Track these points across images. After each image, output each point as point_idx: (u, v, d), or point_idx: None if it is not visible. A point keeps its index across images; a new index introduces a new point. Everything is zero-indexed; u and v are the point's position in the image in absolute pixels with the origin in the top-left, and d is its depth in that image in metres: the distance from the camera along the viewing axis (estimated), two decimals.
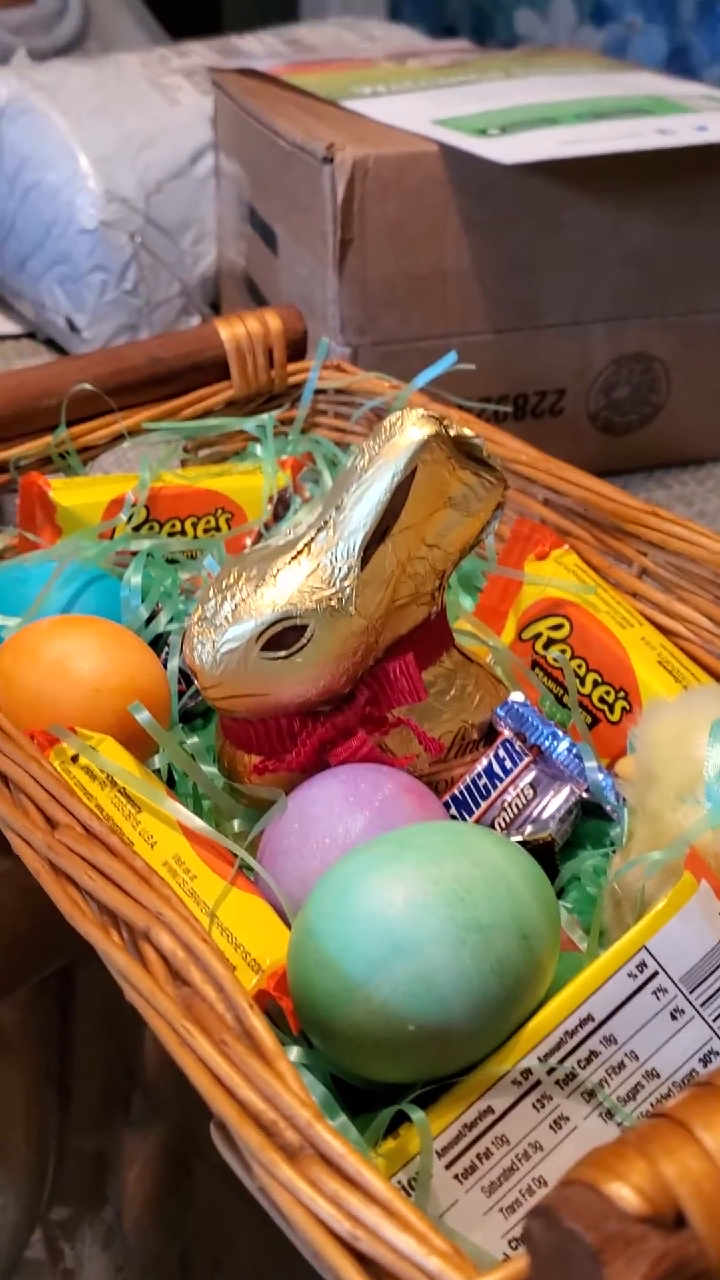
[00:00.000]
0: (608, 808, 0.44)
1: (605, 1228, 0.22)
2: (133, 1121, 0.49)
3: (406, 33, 1.19)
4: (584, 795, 0.44)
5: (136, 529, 0.57)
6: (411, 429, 0.41)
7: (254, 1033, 0.29)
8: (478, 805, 0.44)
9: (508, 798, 0.44)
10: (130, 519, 0.56)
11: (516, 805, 0.44)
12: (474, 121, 0.72)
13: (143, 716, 0.42)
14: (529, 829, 0.43)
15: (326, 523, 0.42)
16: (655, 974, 0.34)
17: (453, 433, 0.42)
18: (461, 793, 0.45)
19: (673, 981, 0.34)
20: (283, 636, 0.41)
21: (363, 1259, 0.25)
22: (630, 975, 0.34)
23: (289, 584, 0.41)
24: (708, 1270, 0.22)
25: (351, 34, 1.13)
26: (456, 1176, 0.33)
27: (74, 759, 0.42)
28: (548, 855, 0.42)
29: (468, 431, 0.43)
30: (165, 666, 0.50)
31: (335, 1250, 0.25)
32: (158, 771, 0.46)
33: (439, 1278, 0.24)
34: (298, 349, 0.65)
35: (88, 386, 0.58)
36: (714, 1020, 0.34)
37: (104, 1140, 0.47)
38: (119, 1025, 0.55)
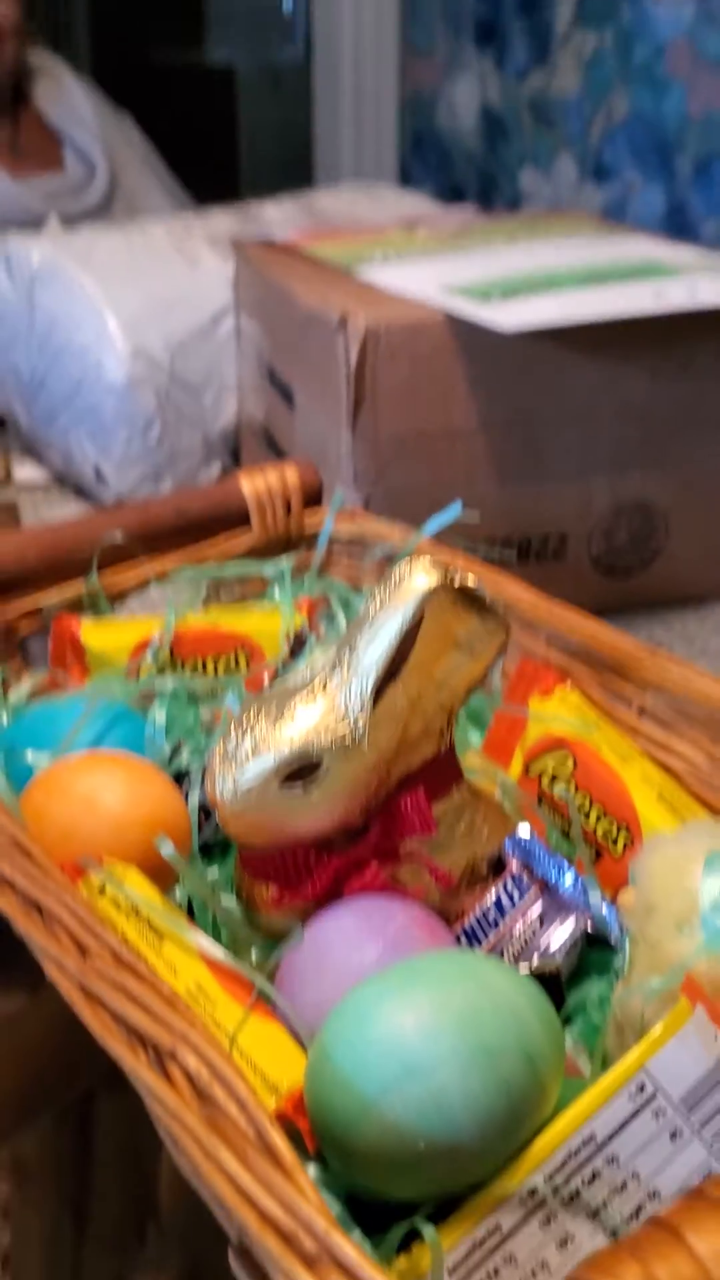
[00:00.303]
0: (611, 939, 0.46)
1: None
2: (149, 1248, 0.49)
3: (416, 199, 1.27)
4: (589, 927, 0.46)
5: (161, 668, 0.60)
6: (419, 577, 0.45)
7: (274, 1147, 0.31)
8: (487, 936, 0.46)
9: (516, 929, 0.46)
10: (155, 659, 0.59)
11: (524, 936, 0.46)
12: (478, 288, 0.78)
13: (167, 850, 0.45)
14: (536, 959, 0.45)
15: (341, 663, 0.45)
16: (654, 1095, 0.36)
17: (457, 581, 0.45)
18: (471, 924, 0.47)
19: (671, 1103, 0.36)
20: (300, 771, 0.44)
21: None
22: (630, 1097, 0.36)
23: (306, 721, 0.44)
24: None
25: (364, 200, 1.21)
26: None
27: (101, 889, 0.44)
28: (554, 985, 0.44)
29: (471, 580, 0.46)
30: (186, 800, 0.52)
31: None
32: (179, 902, 0.48)
33: None
34: (314, 499, 0.69)
35: (118, 536, 0.61)
36: (712, 1141, 0.36)
37: (120, 1265, 0.48)
38: (137, 1155, 0.56)
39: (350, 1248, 0.28)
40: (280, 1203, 0.30)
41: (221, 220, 1.13)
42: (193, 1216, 0.52)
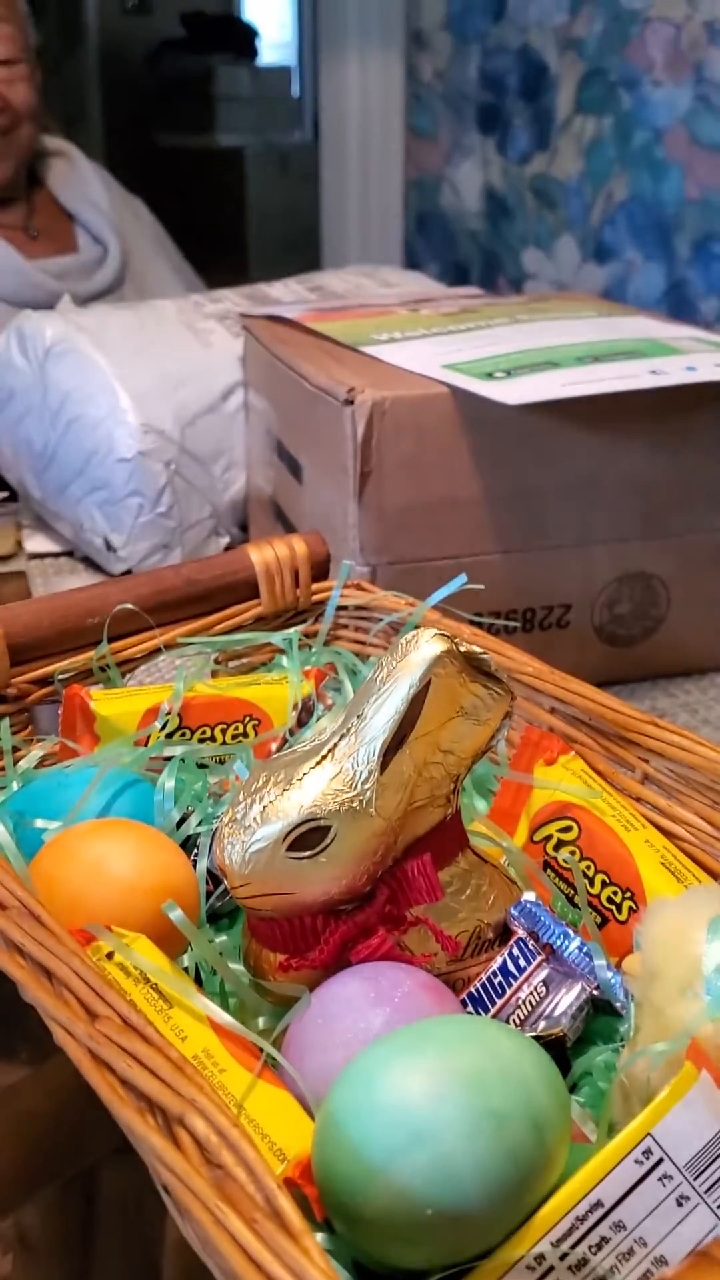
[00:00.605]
0: (617, 1004, 0.47)
1: None
2: None
3: (421, 279, 1.30)
4: (594, 993, 0.47)
5: (170, 736, 0.60)
6: (426, 646, 0.46)
7: (283, 1213, 0.31)
8: (493, 1003, 0.47)
9: (522, 995, 0.46)
10: (164, 726, 0.60)
11: (530, 1002, 0.46)
12: (481, 365, 0.79)
13: (175, 914, 0.45)
14: (542, 1025, 0.45)
15: (349, 730, 0.46)
16: (660, 1160, 0.36)
17: (463, 649, 0.46)
18: (478, 990, 0.47)
19: (677, 1168, 0.36)
20: (308, 837, 0.45)
21: None
22: (637, 1162, 0.36)
23: (314, 787, 0.45)
24: None
25: (370, 281, 1.24)
26: None
27: (109, 955, 0.44)
28: (560, 1050, 0.44)
29: (477, 648, 0.47)
30: (195, 867, 0.53)
31: None
32: (187, 969, 0.49)
33: None
34: (321, 570, 0.70)
35: (129, 606, 0.62)
36: (718, 1206, 0.36)
37: None
38: (142, 1228, 0.56)
39: None
40: (289, 1269, 0.30)
41: (231, 300, 1.15)
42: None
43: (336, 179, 2.33)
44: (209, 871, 0.54)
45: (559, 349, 0.83)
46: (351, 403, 0.76)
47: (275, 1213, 0.31)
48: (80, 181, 1.50)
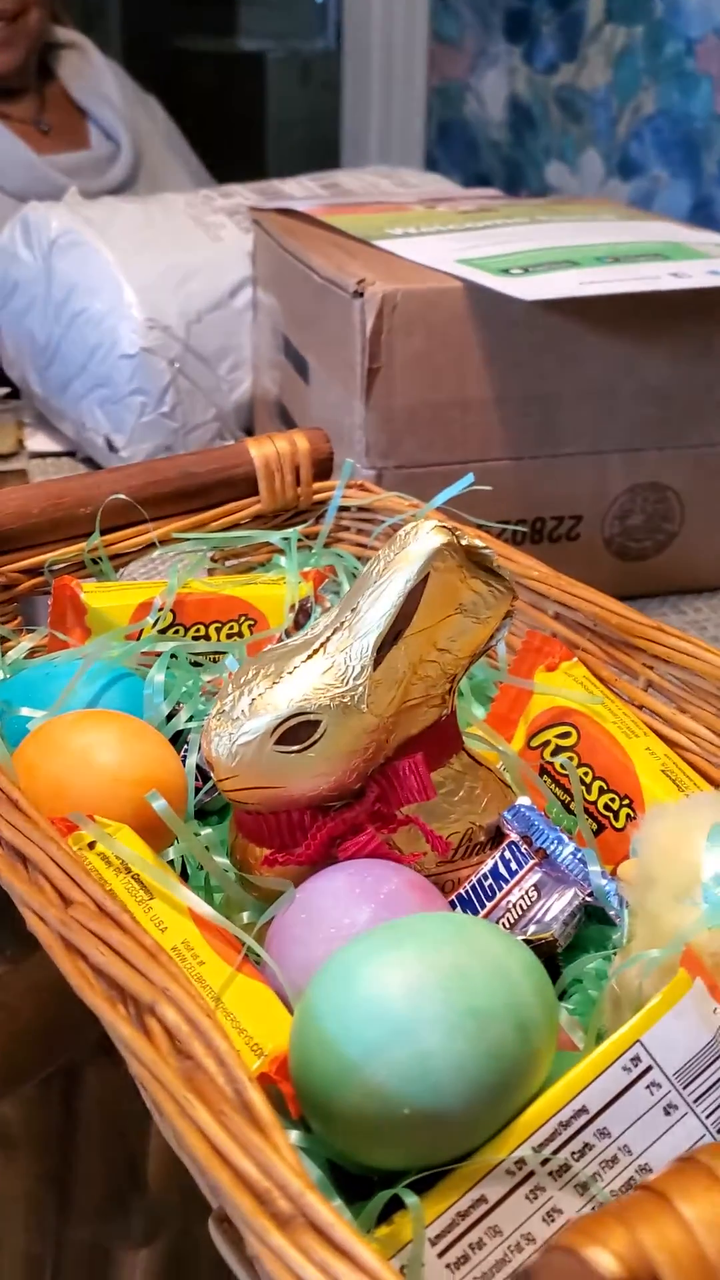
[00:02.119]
0: (611, 912, 0.45)
1: None
2: (133, 1218, 0.49)
3: (440, 180, 1.25)
4: (588, 899, 0.45)
5: (162, 632, 0.59)
6: (425, 538, 0.44)
7: (252, 1105, 0.30)
8: (483, 905, 0.45)
9: (512, 898, 0.45)
10: (157, 622, 0.58)
11: (521, 906, 0.45)
12: (498, 262, 0.76)
13: (159, 804, 0.44)
14: (532, 929, 0.44)
15: (342, 624, 0.44)
16: (649, 1068, 0.34)
17: (464, 542, 0.44)
18: (467, 892, 0.46)
19: (666, 1077, 0.35)
20: (297, 731, 0.43)
21: None
22: (624, 1069, 0.34)
23: (304, 681, 0.43)
24: None
25: (387, 181, 1.19)
26: (449, 1266, 0.33)
27: (91, 845, 0.43)
28: (550, 955, 0.43)
29: (478, 542, 0.45)
30: (184, 763, 0.51)
31: None
32: (172, 863, 0.47)
33: None
34: (324, 469, 0.68)
35: (122, 497, 0.60)
36: (707, 1116, 0.35)
37: (103, 1235, 0.47)
38: (123, 1127, 0.55)
39: (325, 1209, 0.27)
40: (255, 1162, 0.29)
41: (242, 195, 1.12)
42: (178, 1188, 0.51)
43: (358, 86, 2.26)
44: (198, 768, 0.53)
45: (579, 248, 0.80)
46: (361, 295, 0.73)
47: (244, 1105, 0.30)
48: (94, 76, 1.45)
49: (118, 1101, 0.56)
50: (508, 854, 0.46)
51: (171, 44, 3.44)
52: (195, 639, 0.60)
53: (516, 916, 0.45)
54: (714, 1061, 0.35)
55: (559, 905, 0.45)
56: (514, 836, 0.47)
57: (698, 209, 1.76)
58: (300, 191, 1.13)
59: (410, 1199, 0.32)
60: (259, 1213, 0.27)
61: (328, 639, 0.44)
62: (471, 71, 2.10)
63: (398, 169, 1.29)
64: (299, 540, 0.65)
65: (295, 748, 0.43)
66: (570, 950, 0.45)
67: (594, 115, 1.88)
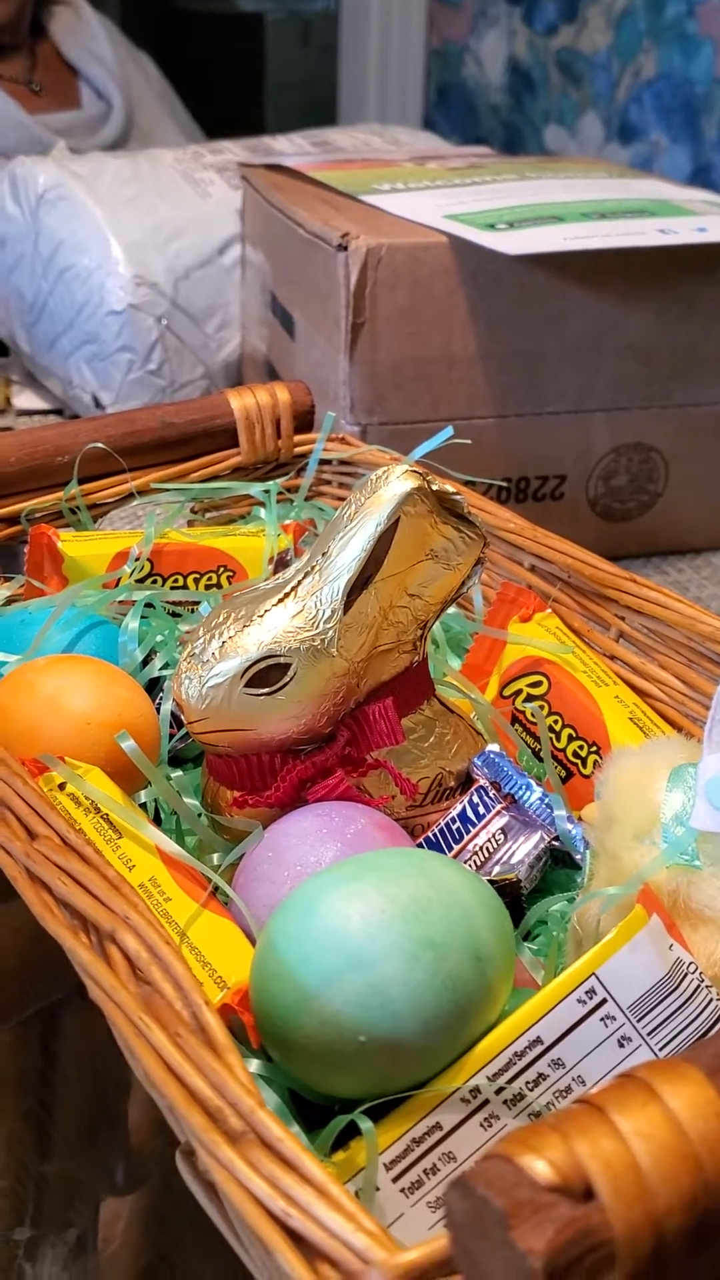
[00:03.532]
0: (576, 856, 0.46)
1: (516, 1195, 0.23)
2: (115, 1161, 0.49)
3: (431, 138, 1.25)
4: (553, 843, 0.46)
5: (140, 582, 0.59)
6: (396, 482, 0.44)
7: (207, 1028, 0.30)
8: (450, 848, 0.46)
9: (479, 841, 0.46)
10: (134, 571, 0.58)
11: (488, 849, 0.45)
12: (483, 217, 0.76)
13: (128, 745, 0.44)
14: (497, 870, 0.45)
15: (313, 568, 0.44)
16: (604, 1001, 0.35)
17: (435, 488, 0.44)
18: (435, 835, 0.46)
19: (621, 1009, 0.35)
20: (267, 674, 0.43)
21: (295, 1236, 0.26)
22: (580, 1001, 0.35)
23: (274, 624, 0.43)
24: (611, 1240, 0.23)
25: (379, 138, 1.19)
26: (403, 1190, 0.34)
27: (61, 786, 0.44)
28: (514, 896, 0.44)
29: (449, 488, 0.45)
30: (159, 710, 0.52)
31: (269, 1227, 0.26)
32: (144, 807, 0.48)
33: (365, 1254, 0.25)
34: (305, 423, 0.68)
35: (101, 446, 0.60)
36: (660, 1049, 0.35)
37: (76, 1167, 0.48)
38: (102, 1068, 0.56)
39: (275, 1125, 0.28)
40: (208, 1081, 0.29)
41: (232, 151, 1.11)
42: (159, 1137, 0.52)
43: (357, 47, 2.24)
44: (173, 714, 0.53)
45: (565, 204, 0.79)
46: (345, 249, 0.73)
47: (200, 1028, 0.30)
48: (86, 34, 1.44)
49: (97, 1041, 0.57)
50: (476, 798, 0.46)
51: (171, 4, 3.40)
52: (173, 589, 0.60)
53: (483, 859, 0.45)
54: (668, 995, 0.35)
55: (524, 848, 0.45)
56: (483, 782, 0.47)
57: (697, 174, 1.74)
58: (290, 148, 1.13)
59: (365, 1124, 0.33)
60: (210, 1129, 0.28)
61: (298, 583, 0.44)
62: (471, 33, 2.08)
63: (389, 127, 1.28)
64: (279, 493, 0.65)
65: (265, 691, 0.43)
66: (536, 893, 0.46)
67: (594, 78, 1.87)
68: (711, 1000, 0.36)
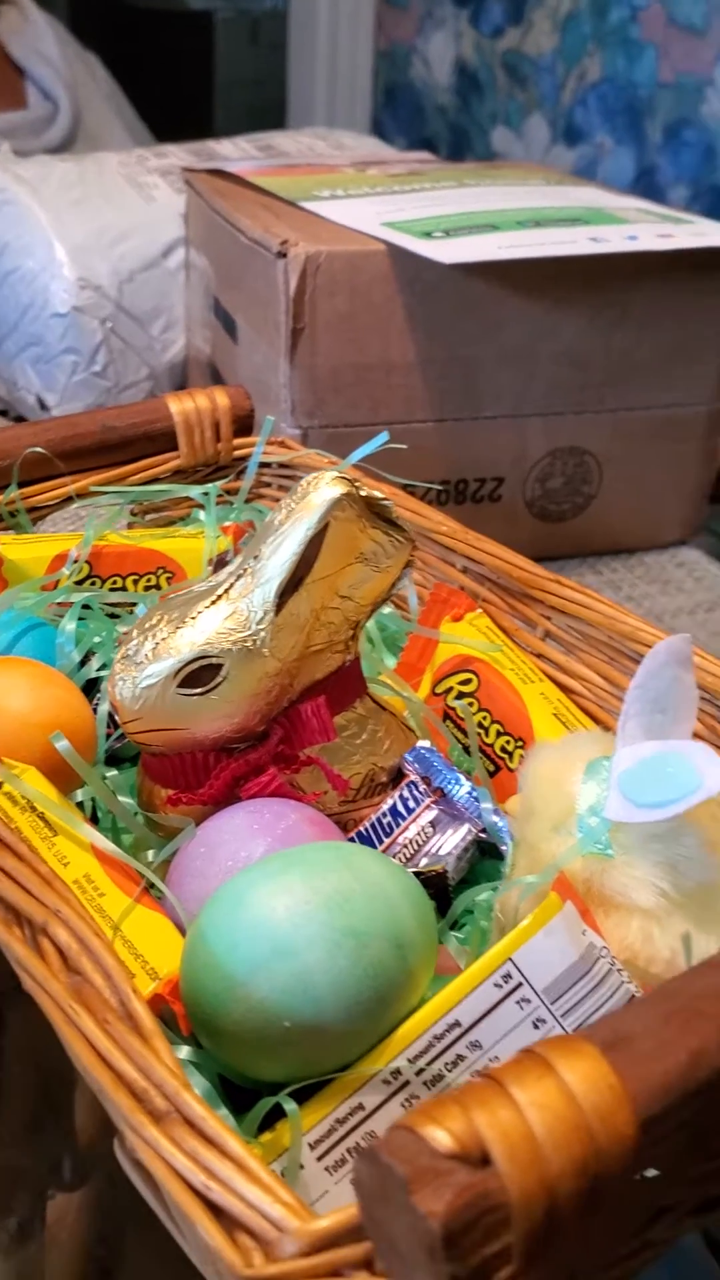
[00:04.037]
0: (502, 848, 0.47)
1: (417, 1162, 0.24)
2: (62, 1156, 0.50)
3: (375, 143, 1.26)
4: (480, 835, 0.47)
5: (79, 584, 0.60)
6: (325, 488, 0.45)
7: (135, 1015, 0.32)
8: (381, 841, 0.47)
9: (409, 834, 0.47)
10: (73, 574, 0.59)
11: (417, 842, 0.47)
12: (420, 225, 0.78)
13: (63, 745, 0.45)
14: (425, 861, 0.46)
15: (245, 571, 0.46)
16: (519, 985, 0.37)
17: (363, 493, 0.46)
18: (366, 829, 0.47)
19: (535, 993, 0.37)
20: (200, 675, 0.45)
21: (215, 1208, 0.27)
22: (496, 985, 0.36)
23: (207, 626, 0.45)
24: (506, 1203, 0.24)
25: (323, 143, 1.20)
26: (328, 1169, 0.35)
27: None
28: (440, 886, 0.45)
29: (378, 493, 0.46)
30: (96, 711, 0.53)
31: (190, 1200, 0.27)
32: (81, 806, 0.49)
33: (280, 1223, 0.26)
34: (245, 426, 0.69)
35: (40, 450, 0.61)
36: (574, 1030, 0.37)
37: (19, 1157, 0.49)
38: (48, 1064, 0.57)
39: (198, 1105, 0.29)
40: (135, 1065, 0.30)
41: (177, 155, 1.12)
42: (105, 1135, 0.53)
43: (305, 47, 2.25)
44: (110, 715, 0.54)
45: (501, 213, 0.81)
46: (285, 255, 0.74)
47: (128, 1015, 0.32)
48: (32, 34, 1.44)
49: (42, 1038, 0.58)
50: (406, 793, 0.48)
51: (120, 2, 3.39)
52: (112, 591, 0.61)
53: (412, 851, 0.47)
54: (581, 979, 0.37)
55: (452, 840, 0.47)
56: (414, 777, 0.49)
57: (641, 176, 1.77)
58: (235, 153, 1.14)
59: (289, 1106, 0.34)
60: (137, 1110, 0.29)
61: (231, 585, 0.46)
62: (418, 34, 2.10)
63: (334, 131, 1.29)
64: (219, 495, 0.67)
65: (198, 690, 0.45)
66: (464, 884, 0.47)
67: (540, 81, 1.89)
68: (623, 983, 0.38)
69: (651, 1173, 0.30)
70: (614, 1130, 0.25)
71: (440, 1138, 0.25)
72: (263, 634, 0.45)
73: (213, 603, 0.45)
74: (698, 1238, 0.45)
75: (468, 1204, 0.24)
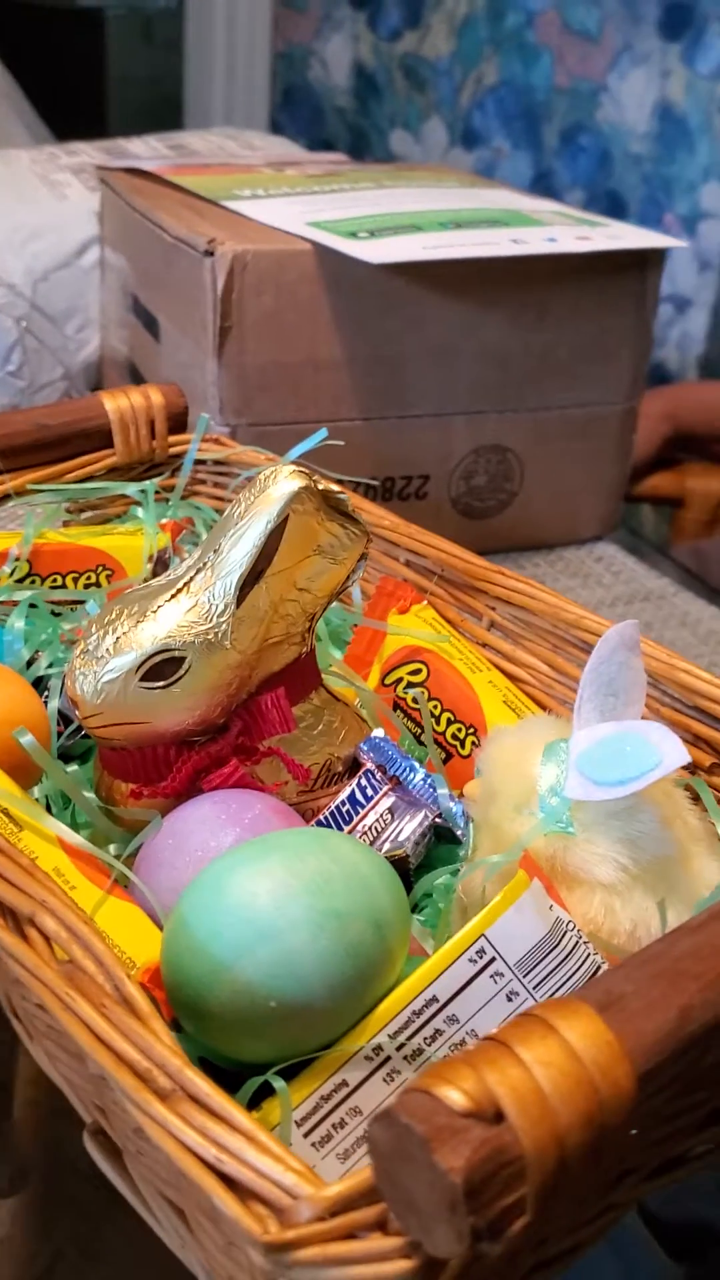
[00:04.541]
0: (458, 832, 0.49)
1: (435, 1121, 0.25)
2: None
3: (286, 144, 1.27)
4: (437, 820, 0.49)
5: (19, 582, 0.60)
6: (284, 482, 0.46)
7: (130, 998, 0.32)
8: (341, 829, 0.48)
9: (368, 821, 0.48)
10: (13, 572, 0.59)
11: (376, 828, 0.48)
12: (345, 225, 0.79)
13: (27, 740, 0.45)
14: (386, 847, 0.47)
15: (205, 564, 0.46)
16: (493, 960, 0.38)
17: (320, 487, 0.47)
18: (327, 818, 0.48)
19: (508, 966, 0.38)
20: (162, 668, 0.45)
21: (228, 1180, 0.28)
22: (471, 960, 0.38)
23: (168, 619, 0.45)
24: (521, 1156, 0.25)
25: (233, 143, 1.21)
26: (314, 1144, 0.36)
27: None
28: (403, 870, 0.46)
29: (334, 488, 0.47)
30: (45, 707, 0.53)
31: (204, 1173, 0.28)
32: (37, 802, 0.49)
33: (294, 1190, 0.27)
34: (178, 424, 0.70)
35: None
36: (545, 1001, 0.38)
37: None
38: None
39: (202, 1081, 0.30)
40: (136, 1046, 0.31)
41: (87, 153, 1.11)
42: (42, 1142, 0.53)
43: (201, 47, 2.25)
44: (60, 712, 0.55)
45: (422, 214, 0.83)
46: (212, 254, 0.74)
47: (124, 999, 0.32)
48: None
49: None
50: (364, 781, 0.49)
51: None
52: (53, 589, 0.61)
53: (373, 838, 0.48)
54: (550, 952, 0.38)
55: (411, 826, 0.48)
56: (370, 765, 0.50)
57: (538, 180, 1.81)
58: (146, 151, 1.14)
59: (278, 1084, 0.35)
60: (141, 1089, 0.30)
61: (191, 579, 0.46)
62: (316, 36, 2.11)
63: (244, 131, 1.30)
64: (156, 492, 0.67)
65: (160, 684, 0.45)
66: (421, 869, 0.49)
67: (437, 84, 1.91)
68: (589, 955, 0.39)
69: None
70: (615, 1084, 0.27)
71: (455, 1097, 0.26)
72: (224, 626, 0.45)
73: (173, 596, 0.46)
74: (641, 1225, 0.47)
75: (485, 1158, 0.25)
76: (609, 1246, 0.46)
